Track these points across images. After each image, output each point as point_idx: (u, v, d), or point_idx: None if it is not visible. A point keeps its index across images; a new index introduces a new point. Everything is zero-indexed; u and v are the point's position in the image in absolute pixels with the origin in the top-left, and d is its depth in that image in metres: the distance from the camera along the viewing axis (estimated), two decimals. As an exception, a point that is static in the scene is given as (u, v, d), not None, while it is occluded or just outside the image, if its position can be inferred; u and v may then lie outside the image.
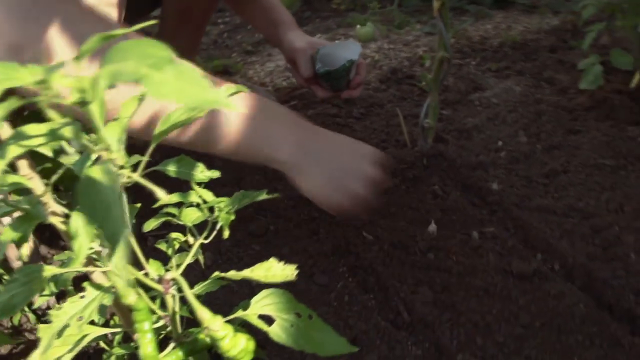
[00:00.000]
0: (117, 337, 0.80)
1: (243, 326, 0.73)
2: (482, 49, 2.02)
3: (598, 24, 1.72)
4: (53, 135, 0.38)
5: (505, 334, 0.97)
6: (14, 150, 0.37)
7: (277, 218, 1.22)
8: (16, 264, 0.93)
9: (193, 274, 1.07)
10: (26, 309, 1.06)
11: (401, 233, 1.16)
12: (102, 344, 0.89)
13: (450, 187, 1.30)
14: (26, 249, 0.85)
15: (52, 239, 1.22)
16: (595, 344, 0.96)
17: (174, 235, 0.75)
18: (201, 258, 0.76)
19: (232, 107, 0.29)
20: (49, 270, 0.50)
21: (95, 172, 0.37)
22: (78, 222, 0.51)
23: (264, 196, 0.74)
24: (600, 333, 0.97)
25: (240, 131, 0.98)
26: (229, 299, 1.02)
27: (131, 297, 0.59)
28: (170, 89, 0.29)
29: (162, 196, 0.51)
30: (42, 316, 1.06)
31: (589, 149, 1.41)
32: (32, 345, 1.02)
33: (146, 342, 0.61)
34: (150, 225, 0.70)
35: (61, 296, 1.04)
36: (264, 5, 1.55)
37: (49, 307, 1.03)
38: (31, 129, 0.38)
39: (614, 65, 1.67)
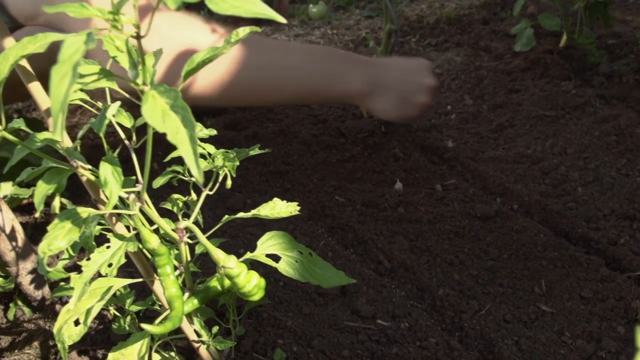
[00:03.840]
0: (128, 301, 0.85)
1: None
2: (419, 26, 2.13)
3: (524, -8, 1.84)
4: (104, 73, 0.44)
5: (478, 268, 1.06)
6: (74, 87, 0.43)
7: (252, 192, 1.28)
8: (9, 257, 0.97)
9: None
10: (19, 302, 1.09)
11: (370, 194, 1.25)
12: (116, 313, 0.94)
13: (410, 149, 1.39)
14: (57, 201, 0.90)
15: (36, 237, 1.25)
16: (557, 266, 1.06)
17: (175, 195, 0.81)
18: (200, 219, 0.82)
19: (279, 19, 0.37)
20: (84, 212, 0.56)
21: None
22: (107, 171, 0.57)
23: (256, 151, 0.80)
24: (560, 257, 1.07)
25: (310, 74, 1.13)
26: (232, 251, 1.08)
27: (154, 241, 0.66)
28: (228, 5, 0.35)
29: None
30: (36, 308, 1.09)
31: (530, 104, 1.53)
32: (34, 334, 1.05)
33: (170, 283, 0.67)
34: (159, 182, 0.76)
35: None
36: None
37: (54, 285, 1.06)
38: (84, 69, 0.45)
39: (543, 28, 1.80)
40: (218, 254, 0.68)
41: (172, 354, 0.85)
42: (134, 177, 0.62)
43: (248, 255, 0.73)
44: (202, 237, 0.68)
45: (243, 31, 0.55)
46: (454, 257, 1.08)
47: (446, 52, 1.92)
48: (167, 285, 0.67)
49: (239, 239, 1.10)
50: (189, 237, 0.73)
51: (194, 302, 0.75)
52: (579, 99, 1.53)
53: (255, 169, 1.36)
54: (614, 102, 1.54)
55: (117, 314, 0.85)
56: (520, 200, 1.22)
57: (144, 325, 0.60)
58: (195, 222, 0.68)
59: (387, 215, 1.19)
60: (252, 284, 0.70)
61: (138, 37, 0.41)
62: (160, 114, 0.39)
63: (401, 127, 1.46)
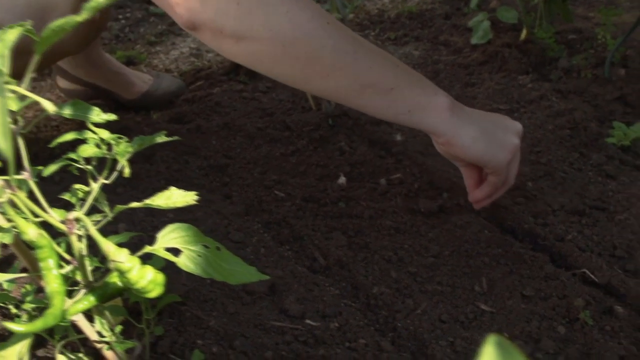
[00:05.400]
0: (29, 298, 0.79)
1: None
2: (380, 21, 2.08)
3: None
4: None
5: (417, 265, 1.01)
6: None
7: (189, 186, 1.21)
8: None
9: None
10: None
11: (312, 188, 1.19)
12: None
13: (357, 143, 1.34)
14: None
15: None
16: (500, 263, 1.01)
17: (77, 186, 0.75)
18: (107, 210, 0.76)
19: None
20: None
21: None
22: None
23: (163, 138, 0.75)
24: (504, 253, 1.03)
25: (389, 100, 0.94)
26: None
27: (31, 232, 0.59)
28: None
29: (49, 107, 0.51)
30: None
31: (485, 97, 1.48)
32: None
33: (52, 278, 0.61)
34: (50, 169, 0.70)
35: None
36: None
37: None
38: None
39: (503, 22, 1.76)
40: (108, 247, 0.62)
41: (80, 354, 0.79)
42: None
43: (147, 249, 0.67)
44: (91, 229, 0.62)
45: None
46: (392, 254, 1.03)
47: (405, 46, 1.87)
48: (48, 280, 0.61)
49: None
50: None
51: (91, 300, 0.69)
52: (534, 92, 1.49)
53: (195, 163, 1.30)
54: (571, 97, 1.49)
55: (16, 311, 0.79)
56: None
57: (6, 324, 0.54)
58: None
59: (327, 211, 1.13)
60: (147, 280, 0.64)
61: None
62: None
63: (349, 120, 1.40)
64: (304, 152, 1.32)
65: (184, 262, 0.67)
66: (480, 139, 0.97)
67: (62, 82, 1.65)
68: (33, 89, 1.84)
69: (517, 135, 1.01)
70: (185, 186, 1.22)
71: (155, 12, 2.37)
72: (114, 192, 1.22)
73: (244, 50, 0.89)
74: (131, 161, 1.32)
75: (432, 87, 0.98)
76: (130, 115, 1.60)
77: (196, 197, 0.67)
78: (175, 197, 0.67)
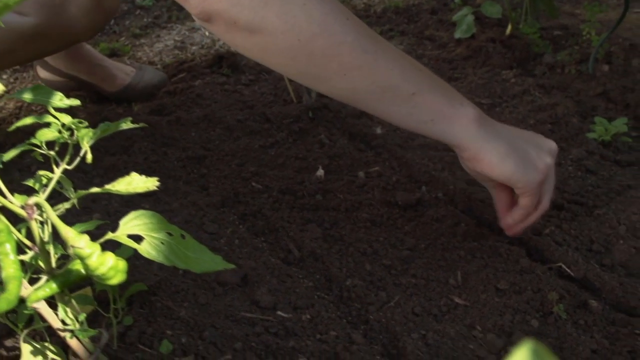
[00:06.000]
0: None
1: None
2: (366, 15, 2.07)
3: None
4: None
5: (392, 258, 1.00)
6: None
7: (167, 178, 1.21)
8: None
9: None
10: None
11: (289, 180, 1.18)
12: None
13: (337, 136, 1.33)
14: None
15: None
16: (476, 257, 1.00)
17: (41, 172, 0.73)
18: (72, 196, 0.75)
19: None
20: None
21: None
22: None
23: (128, 125, 0.73)
24: (480, 247, 1.02)
25: (410, 106, 0.88)
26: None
27: (-16, 216, 0.58)
28: None
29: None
30: None
31: (467, 91, 1.48)
32: None
33: (9, 263, 0.60)
34: (10, 154, 0.68)
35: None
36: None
37: None
38: None
39: (488, 17, 1.75)
40: (67, 233, 0.61)
41: (46, 343, 0.78)
42: None
43: (109, 235, 0.66)
44: (51, 214, 0.61)
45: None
46: (367, 247, 1.02)
47: (390, 40, 1.86)
48: (4, 265, 0.60)
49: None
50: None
51: (52, 287, 0.68)
52: (517, 87, 1.49)
53: (173, 154, 1.29)
54: (554, 92, 1.49)
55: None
56: (446, 188, 1.16)
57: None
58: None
59: (304, 203, 1.12)
60: (107, 267, 0.63)
61: None
62: None
63: (330, 113, 1.39)
64: (283, 144, 1.31)
65: (146, 249, 0.66)
66: (509, 155, 0.89)
67: (43, 73, 1.63)
68: (15, 80, 1.83)
69: (550, 155, 0.94)
70: (162, 177, 1.22)
71: (141, 4, 2.35)
72: (90, 183, 1.21)
73: (258, 44, 0.85)
74: (109, 152, 1.31)
75: (458, 96, 0.91)
76: (112, 107, 1.58)
77: (157, 183, 0.66)
78: (135, 183, 0.65)
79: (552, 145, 0.95)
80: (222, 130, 1.36)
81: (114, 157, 1.28)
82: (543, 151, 0.93)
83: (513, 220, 0.98)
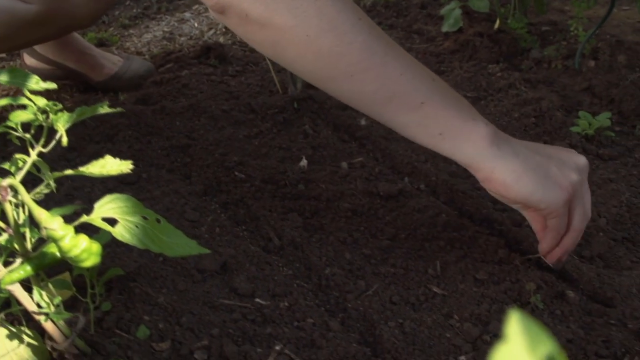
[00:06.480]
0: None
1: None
2: (355, 9, 2.07)
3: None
4: None
5: (372, 247, 1.01)
6: None
7: (149, 166, 1.21)
8: None
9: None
10: None
11: (272, 170, 1.18)
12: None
13: (321, 127, 1.33)
14: None
15: None
16: (455, 247, 1.01)
17: (18, 155, 0.73)
18: (52, 183, 0.75)
19: None
20: None
21: None
22: None
23: (105, 109, 0.73)
24: (460, 237, 1.02)
25: (418, 116, 0.83)
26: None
27: (-45, 195, 0.58)
28: None
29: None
30: None
31: (453, 84, 1.48)
32: None
33: (-22, 244, 0.60)
34: (-19, 136, 0.68)
35: None
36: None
37: None
38: None
39: (477, 11, 1.76)
40: (40, 214, 0.61)
41: (23, 327, 0.78)
42: None
43: (83, 218, 0.66)
44: (25, 196, 0.61)
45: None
46: (347, 236, 1.02)
47: (378, 34, 1.86)
48: (-26, 246, 0.60)
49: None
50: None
51: (27, 269, 0.68)
52: (503, 81, 1.49)
53: (157, 143, 1.29)
54: (540, 87, 1.50)
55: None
56: (428, 179, 1.17)
57: None
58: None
59: (286, 192, 1.12)
60: (80, 248, 0.63)
61: None
62: None
63: (315, 104, 1.40)
64: (267, 134, 1.31)
65: (120, 231, 0.66)
66: (526, 174, 0.83)
67: (30, 61, 1.63)
68: (1, 68, 1.82)
69: (576, 171, 0.86)
70: (145, 165, 1.22)
71: (131, -5, 2.35)
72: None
73: (268, 38, 0.83)
74: (94, 141, 1.31)
75: (471, 111, 0.85)
76: (98, 97, 1.58)
77: (131, 166, 0.66)
78: (109, 166, 0.65)
79: (580, 160, 0.88)
80: (207, 120, 1.36)
81: (98, 145, 1.28)
82: (568, 167, 0.86)
83: (547, 245, 0.92)
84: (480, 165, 0.84)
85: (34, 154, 0.68)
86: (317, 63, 0.83)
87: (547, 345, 0.21)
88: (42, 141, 0.67)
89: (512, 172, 0.83)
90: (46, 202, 0.80)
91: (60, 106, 0.67)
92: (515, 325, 0.21)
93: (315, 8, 0.80)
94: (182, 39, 1.93)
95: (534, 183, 0.83)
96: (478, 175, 0.86)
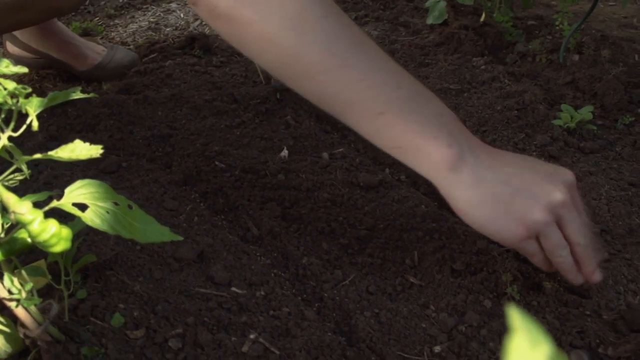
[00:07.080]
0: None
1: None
2: (342, 1, 2.07)
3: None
4: None
5: (350, 237, 1.01)
6: None
7: (130, 155, 1.20)
8: None
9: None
10: None
11: (253, 160, 1.18)
12: None
13: (303, 117, 1.33)
14: None
15: None
16: (434, 238, 1.01)
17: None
18: (25, 168, 0.74)
19: None
20: None
21: None
22: None
23: (78, 95, 0.73)
24: (439, 228, 1.02)
25: (376, 125, 0.80)
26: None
27: None
28: None
29: None
30: None
31: (437, 77, 1.48)
32: None
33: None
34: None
35: None
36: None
37: None
38: None
39: (463, 5, 1.76)
40: (9, 199, 0.61)
41: (-4, 316, 0.78)
42: None
43: (53, 203, 0.66)
44: (-9, 179, 0.61)
45: None
46: (325, 226, 1.02)
47: (364, 26, 1.86)
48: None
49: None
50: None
51: (-4, 255, 0.68)
52: (487, 74, 1.49)
53: (139, 133, 1.28)
54: (523, 80, 1.50)
55: None
56: (409, 171, 1.16)
57: None
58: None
59: (266, 182, 1.12)
60: (49, 233, 0.63)
61: None
62: None
63: (297, 95, 1.39)
64: (249, 124, 1.30)
65: (90, 217, 0.66)
66: (482, 206, 0.79)
67: (12, 49, 1.62)
68: (-15, 57, 1.80)
69: (544, 209, 0.79)
70: (126, 155, 1.22)
71: (117, -15, 2.33)
72: (52, 160, 1.19)
73: (235, 32, 0.82)
74: (75, 130, 1.30)
75: (436, 128, 0.79)
76: (82, 86, 1.57)
77: (101, 151, 0.66)
78: (79, 150, 0.65)
79: (554, 196, 0.80)
80: (189, 110, 1.36)
81: (79, 135, 1.27)
82: (537, 202, 0.79)
83: (544, 269, 0.88)
84: (438, 187, 0.81)
85: (4, 138, 0.68)
86: (278, 61, 0.81)
87: (547, 344, 0.21)
88: (12, 125, 0.67)
89: (465, 202, 0.80)
90: (25, 191, 0.80)
91: (29, 90, 0.66)
92: (518, 321, 0.21)
93: (279, 5, 0.78)
94: (168, 29, 1.92)
95: (488, 215, 0.80)
96: (440, 192, 0.82)
